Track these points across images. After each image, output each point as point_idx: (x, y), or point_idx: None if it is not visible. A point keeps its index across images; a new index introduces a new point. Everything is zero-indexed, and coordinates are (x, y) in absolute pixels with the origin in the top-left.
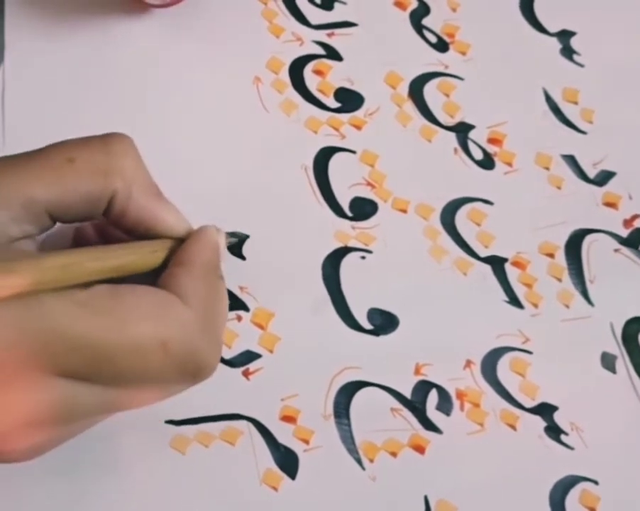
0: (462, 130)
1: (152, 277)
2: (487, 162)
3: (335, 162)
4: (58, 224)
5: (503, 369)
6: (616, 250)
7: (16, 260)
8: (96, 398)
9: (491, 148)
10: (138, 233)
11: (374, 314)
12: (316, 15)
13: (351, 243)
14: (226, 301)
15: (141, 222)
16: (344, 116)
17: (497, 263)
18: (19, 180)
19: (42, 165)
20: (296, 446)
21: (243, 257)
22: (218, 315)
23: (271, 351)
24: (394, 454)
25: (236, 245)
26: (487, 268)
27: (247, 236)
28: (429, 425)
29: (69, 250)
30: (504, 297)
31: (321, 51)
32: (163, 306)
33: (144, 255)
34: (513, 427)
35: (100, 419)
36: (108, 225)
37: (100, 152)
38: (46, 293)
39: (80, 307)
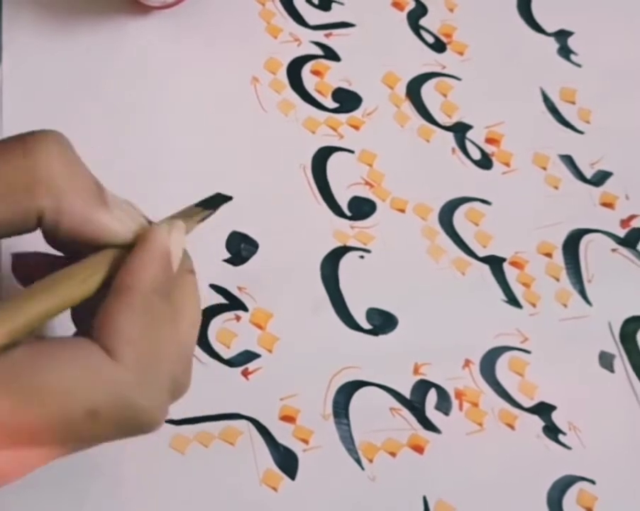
0: (459, 130)
1: (97, 300)
2: (484, 162)
3: (333, 162)
4: None
5: (502, 368)
6: (613, 250)
7: None
8: (47, 454)
9: (489, 148)
10: (77, 247)
11: (373, 313)
12: (313, 15)
13: (350, 243)
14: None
15: (78, 235)
16: (342, 116)
17: (495, 263)
18: None
19: None
20: (295, 446)
21: (244, 259)
22: (162, 356)
23: (270, 351)
24: (393, 454)
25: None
26: (485, 268)
27: (230, 197)
28: (428, 425)
29: None
30: (502, 296)
31: (318, 51)
32: (90, 369)
33: (71, 289)
34: (511, 427)
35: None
36: (27, 265)
37: (20, 160)
38: None
39: None
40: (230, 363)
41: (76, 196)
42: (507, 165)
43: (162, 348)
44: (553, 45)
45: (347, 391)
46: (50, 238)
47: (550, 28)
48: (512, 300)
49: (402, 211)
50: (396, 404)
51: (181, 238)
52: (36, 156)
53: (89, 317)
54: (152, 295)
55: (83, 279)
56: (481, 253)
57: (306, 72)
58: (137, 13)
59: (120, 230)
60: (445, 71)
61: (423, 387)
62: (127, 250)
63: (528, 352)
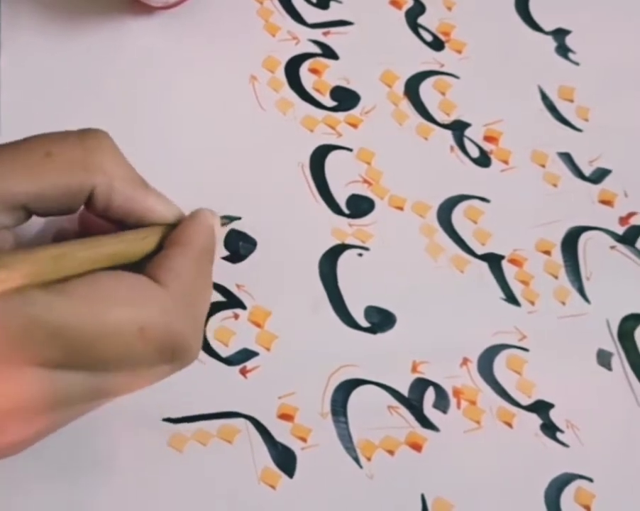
0: (458, 128)
1: (146, 263)
2: (483, 160)
3: (331, 160)
4: (37, 222)
5: (499, 366)
6: (612, 248)
7: (5, 252)
8: (80, 384)
9: (487, 146)
10: (128, 224)
11: (371, 311)
12: (311, 13)
13: (348, 241)
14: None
15: (129, 213)
16: (340, 115)
17: (493, 261)
18: None
19: (20, 159)
20: (293, 444)
21: (243, 257)
22: (202, 300)
23: (268, 349)
24: (391, 452)
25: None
26: (483, 266)
27: (239, 218)
28: (426, 423)
29: (61, 243)
30: (500, 294)
31: (316, 50)
32: (141, 291)
33: (135, 242)
34: (509, 425)
35: (91, 407)
36: (91, 221)
37: (78, 148)
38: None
39: (56, 295)
40: (229, 361)
41: (125, 179)
42: (506, 162)
43: (202, 298)
44: (550, 43)
45: (345, 389)
46: (102, 214)
47: (548, 27)
48: (511, 298)
49: (400, 208)
50: (394, 403)
51: (219, 226)
52: (91, 143)
53: None
54: (201, 253)
55: (143, 237)
56: (479, 250)
57: (304, 70)
58: (138, 13)
59: (165, 212)
60: (443, 69)
61: (421, 385)
62: (172, 227)
63: (526, 350)
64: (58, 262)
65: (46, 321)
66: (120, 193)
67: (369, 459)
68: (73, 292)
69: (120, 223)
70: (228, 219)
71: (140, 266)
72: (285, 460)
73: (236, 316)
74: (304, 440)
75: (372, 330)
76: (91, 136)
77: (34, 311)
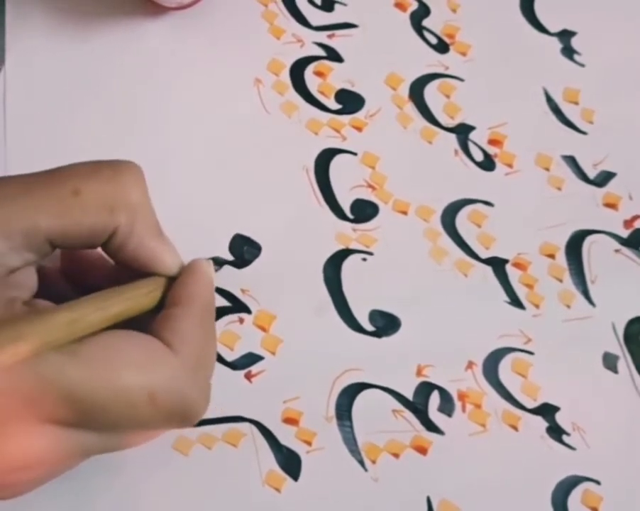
0: (462, 132)
1: (150, 315)
2: (487, 164)
3: (336, 164)
4: None
5: (504, 370)
6: (616, 251)
7: (21, 319)
8: (89, 442)
9: (491, 149)
10: (131, 267)
11: (376, 315)
12: (316, 16)
13: (352, 245)
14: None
15: (138, 259)
16: (345, 118)
17: (497, 264)
18: (22, 208)
19: (48, 195)
20: (298, 448)
21: (247, 262)
22: (210, 361)
23: (273, 353)
24: (396, 455)
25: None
26: (488, 269)
27: (229, 262)
28: (431, 426)
29: (72, 304)
30: (505, 297)
31: (321, 52)
32: (153, 356)
33: (140, 298)
34: (515, 428)
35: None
36: (75, 258)
37: (108, 184)
38: None
39: (69, 357)
40: (234, 365)
41: (145, 224)
42: (510, 166)
43: (208, 356)
44: (556, 45)
45: (350, 393)
46: (111, 253)
47: (554, 28)
48: (515, 301)
49: (405, 213)
50: (399, 406)
51: (214, 274)
52: (123, 180)
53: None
54: (205, 311)
55: (147, 293)
56: (483, 254)
57: (309, 73)
58: (148, 14)
59: (170, 262)
60: (448, 72)
61: (426, 389)
62: (172, 280)
63: (531, 353)
64: (72, 327)
65: (59, 382)
66: (137, 237)
67: (374, 462)
68: (86, 355)
69: (124, 264)
70: (218, 265)
71: (142, 320)
72: (290, 463)
73: (241, 321)
74: (308, 443)
75: (377, 334)
76: (124, 170)
77: (47, 372)
